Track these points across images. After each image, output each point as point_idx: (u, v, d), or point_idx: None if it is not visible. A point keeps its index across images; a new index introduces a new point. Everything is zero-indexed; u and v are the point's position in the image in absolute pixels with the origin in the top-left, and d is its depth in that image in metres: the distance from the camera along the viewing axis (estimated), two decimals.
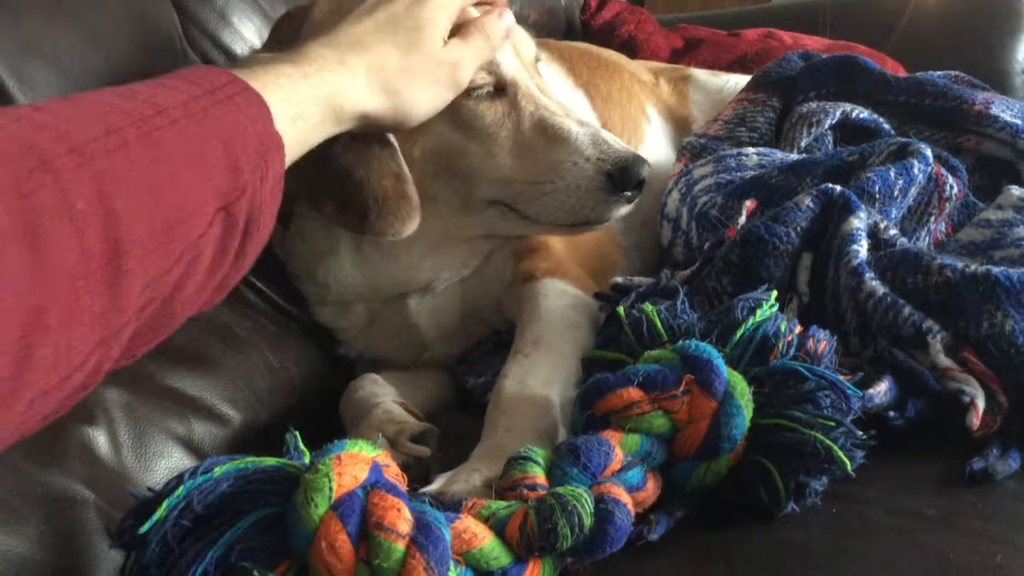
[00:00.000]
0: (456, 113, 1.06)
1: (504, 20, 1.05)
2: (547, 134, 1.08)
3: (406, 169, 1.03)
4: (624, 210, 1.10)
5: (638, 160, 1.07)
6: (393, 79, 0.92)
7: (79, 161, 0.59)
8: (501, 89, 1.09)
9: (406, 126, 0.97)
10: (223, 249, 0.71)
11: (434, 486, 0.83)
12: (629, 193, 1.08)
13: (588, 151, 1.07)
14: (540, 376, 0.99)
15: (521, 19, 1.21)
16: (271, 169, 0.75)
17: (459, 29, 1.00)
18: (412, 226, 1.04)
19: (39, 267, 0.55)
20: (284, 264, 1.23)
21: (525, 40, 1.17)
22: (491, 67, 1.07)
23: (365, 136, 1.00)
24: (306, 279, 1.22)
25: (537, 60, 1.20)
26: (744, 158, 1.37)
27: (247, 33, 1.37)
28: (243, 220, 0.72)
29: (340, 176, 1.02)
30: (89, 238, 0.58)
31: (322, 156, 1.02)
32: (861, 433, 0.78)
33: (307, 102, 0.82)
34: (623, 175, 1.06)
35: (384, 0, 0.96)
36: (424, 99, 0.96)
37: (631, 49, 2.29)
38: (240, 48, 1.34)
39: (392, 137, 1.02)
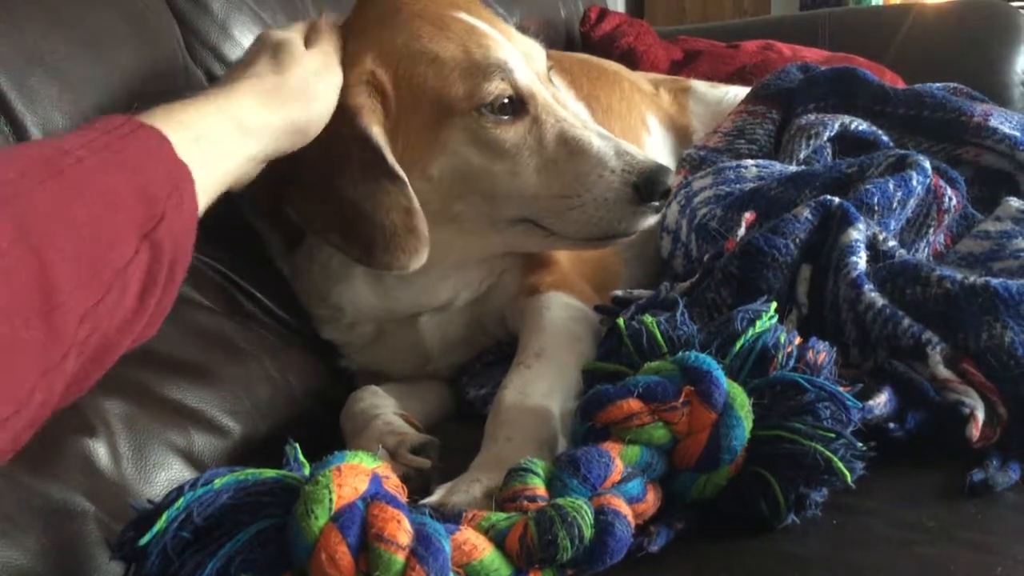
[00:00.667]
0: (477, 134, 1.07)
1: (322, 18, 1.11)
2: (569, 147, 1.08)
3: (416, 203, 1.04)
4: (651, 220, 1.10)
5: (663, 170, 1.08)
6: (279, 91, 0.96)
7: None
8: (520, 103, 1.09)
9: (319, 124, 1.00)
10: (152, 275, 0.73)
11: (434, 497, 0.83)
12: (656, 203, 1.08)
13: (612, 163, 1.07)
14: (541, 387, 0.99)
15: (521, 31, 1.21)
16: (184, 193, 0.77)
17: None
18: (420, 260, 1.04)
19: None
20: (290, 282, 1.23)
21: (537, 52, 1.18)
22: (505, 75, 1.08)
23: (374, 170, 1.01)
24: (316, 301, 1.21)
25: (550, 69, 1.20)
26: (743, 170, 1.38)
27: (248, 44, 1.37)
28: (168, 245, 0.74)
29: (347, 209, 1.02)
30: (17, 275, 0.60)
31: (329, 188, 1.03)
32: (861, 444, 0.78)
33: (203, 125, 0.85)
34: (649, 185, 1.06)
35: (250, 47, 1.04)
36: (311, 95, 1.00)
37: (631, 61, 2.29)
38: None
39: (401, 171, 1.03)
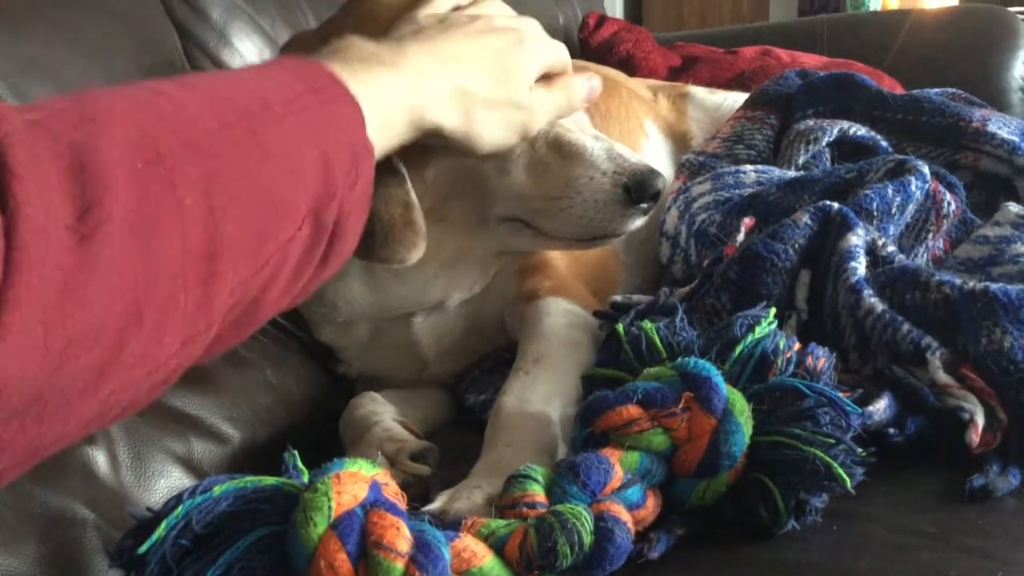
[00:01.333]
0: None
1: (590, 84, 1.04)
2: (562, 151, 1.08)
3: (415, 197, 1.04)
4: (640, 222, 1.10)
5: (653, 173, 1.08)
6: (476, 106, 0.91)
7: (191, 155, 0.59)
8: None
9: (469, 153, 0.95)
10: (309, 253, 0.70)
11: (435, 504, 0.83)
12: (645, 205, 1.08)
13: (604, 165, 1.07)
14: (540, 393, 0.99)
15: None
16: (361, 176, 0.74)
17: (546, 79, 1.00)
18: (417, 254, 1.04)
19: (145, 260, 0.55)
20: None
21: None
22: None
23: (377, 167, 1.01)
24: (312, 299, 1.22)
25: None
26: (742, 175, 1.38)
27: (247, 52, 1.37)
28: (331, 225, 0.71)
29: None
30: (192, 236, 0.58)
31: None
32: (861, 450, 0.78)
33: (396, 109, 0.82)
34: (640, 188, 1.06)
35: (488, 28, 0.95)
36: (494, 134, 0.94)
37: (629, 67, 2.30)
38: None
39: (401, 166, 1.03)
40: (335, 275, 1.13)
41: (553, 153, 1.08)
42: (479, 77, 0.91)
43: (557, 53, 1.01)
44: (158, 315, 0.56)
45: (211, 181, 0.60)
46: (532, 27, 1.00)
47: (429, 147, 1.02)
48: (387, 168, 1.01)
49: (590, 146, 1.08)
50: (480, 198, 1.10)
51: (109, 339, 0.54)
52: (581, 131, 1.10)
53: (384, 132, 0.80)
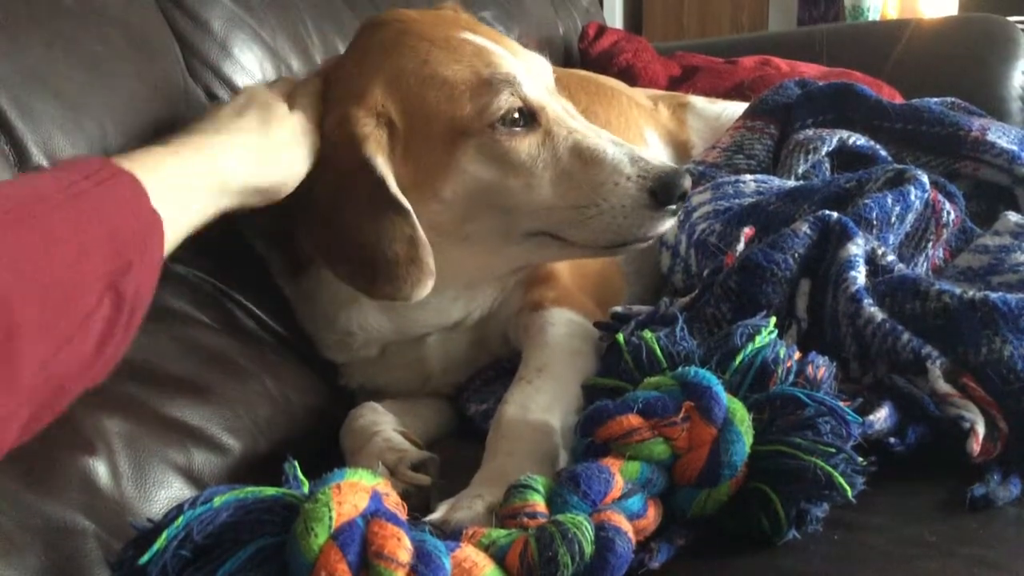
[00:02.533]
0: (491, 149, 1.07)
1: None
2: (584, 157, 1.08)
3: (421, 233, 1.04)
4: (670, 224, 1.10)
5: (679, 173, 1.08)
6: (263, 151, 0.98)
7: None
8: (530, 116, 1.09)
9: (290, 188, 1.03)
10: (112, 325, 0.73)
11: (437, 514, 0.83)
12: (674, 207, 1.08)
13: (628, 169, 1.07)
14: (542, 401, 0.99)
15: None
16: (151, 243, 0.78)
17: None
18: (424, 291, 1.05)
19: None
20: (293, 304, 1.23)
21: (543, 66, 1.18)
22: (513, 89, 1.08)
23: (378, 200, 1.02)
24: (324, 326, 1.21)
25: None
26: (742, 185, 1.38)
27: (248, 64, 1.38)
28: (130, 295, 0.74)
29: (352, 239, 1.03)
30: None
31: (336, 218, 1.03)
32: (861, 459, 0.78)
33: (183, 176, 0.87)
34: (666, 190, 1.07)
35: (238, 99, 1.05)
36: (291, 160, 1.03)
37: (629, 77, 2.30)
38: (241, 79, 1.35)
39: (405, 201, 1.03)
40: (348, 302, 1.14)
41: (575, 160, 1.09)
42: (244, 130, 0.99)
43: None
44: None
45: None
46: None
47: (445, 167, 1.03)
48: (391, 203, 1.02)
49: (611, 151, 1.08)
50: (505, 215, 1.10)
51: None
52: (598, 136, 1.10)
53: (180, 196, 0.85)
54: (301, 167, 1.04)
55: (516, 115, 1.08)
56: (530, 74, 1.12)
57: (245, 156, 0.96)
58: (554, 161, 1.09)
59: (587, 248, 1.12)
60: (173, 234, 0.84)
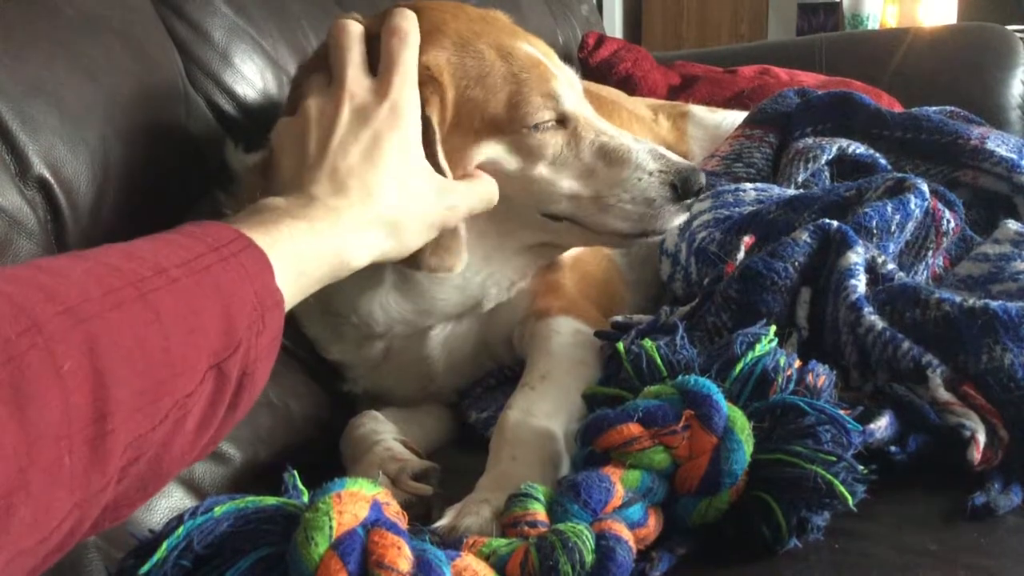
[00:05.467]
0: (518, 143, 1.10)
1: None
2: (609, 157, 1.13)
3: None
4: (683, 218, 1.16)
5: (696, 170, 1.14)
6: (395, 223, 0.95)
7: (71, 322, 0.60)
8: (561, 121, 1.13)
9: (402, 257, 0.99)
10: (213, 406, 0.71)
11: (444, 521, 0.83)
12: (689, 201, 1.14)
13: (651, 165, 1.12)
14: (545, 407, 1.00)
15: None
16: (268, 325, 0.75)
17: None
18: (462, 262, 1.08)
19: (24, 427, 0.55)
20: (298, 315, 1.22)
21: (575, 77, 1.21)
22: (554, 104, 1.11)
23: None
24: (341, 316, 1.20)
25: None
26: (742, 193, 1.38)
27: (249, 73, 1.38)
28: (235, 376, 0.72)
29: None
30: (75, 398, 0.58)
31: None
32: (862, 468, 0.78)
33: (313, 258, 0.84)
34: (686, 184, 1.12)
35: (359, 116, 0.98)
36: (418, 240, 0.99)
37: (629, 86, 2.31)
38: (242, 88, 1.36)
39: (448, 168, 1.05)
40: (368, 286, 1.14)
41: (599, 160, 1.13)
42: (386, 191, 0.94)
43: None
44: (44, 479, 0.56)
45: (94, 344, 0.60)
46: (402, 93, 1.01)
47: (467, 145, 1.03)
48: (439, 170, 1.03)
49: (635, 148, 1.13)
50: (527, 199, 1.13)
51: None
52: (622, 135, 1.15)
53: (301, 279, 0.83)
54: (423, 240, 1.01)
55: (552, 124, 1.12)
56: (570, 86, 1.16)
57: (381, 231, 0.93)
58: (578, 159, 1.13)
59: (605, 235, 1.16)
60: (288, 306, 0.82)
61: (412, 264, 1.05)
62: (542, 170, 1.11)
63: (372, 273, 1.12)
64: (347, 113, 0.98)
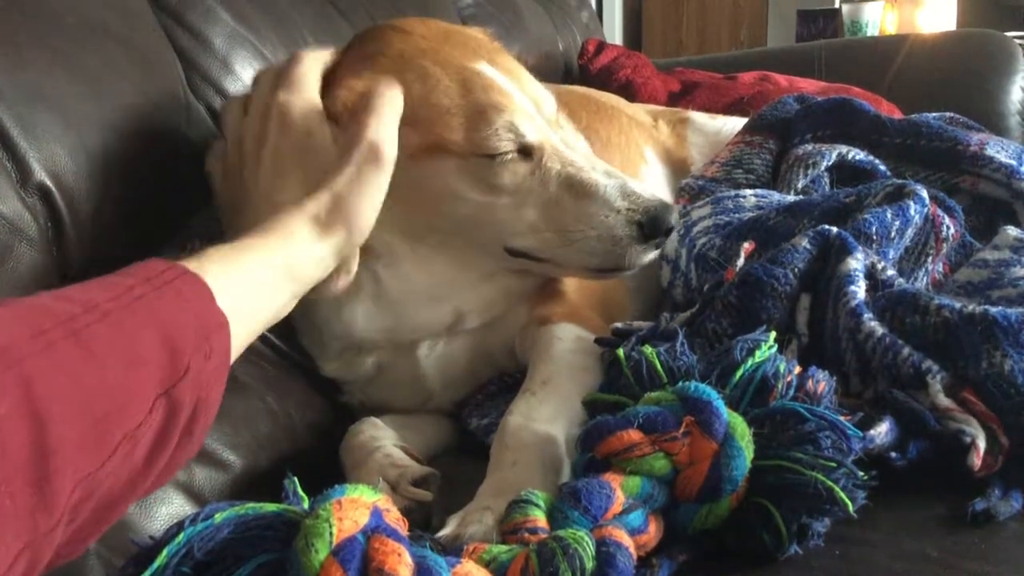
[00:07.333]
0: (479, 174, 1.08)
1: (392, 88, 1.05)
2: (575, 191, 1.10)
3: None
4: (652, 256, 1.13)
5: (666, 208, 1.10)
6: (329, 212, 0.93)
7: (2, 367, 0.59)
8: (526, 152, 1.10)
9: (364, 239, 0.98)
10: (165, 434, 0.70)
11: (447, 530, 0.83)
12: (659, 240, 1.11)
13: (618, 203, 1.09)
14: (546, 413, 0.99)
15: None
16: (215, 347, 0.75)
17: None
18: (337, 287, 1.02)
19: None
20: (295, 326, 1.23)
21: (546, 97, 1.18)
22: (515, 135, 1.08)
23: None
24: (325, 333, 1.20)
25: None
26: (742, 199, 1.38)
27: (249, 79, 1.38)
28: (189, 402, 0.72)
29: None
30: (12, 442, 0.58)
31: None
32: (862, 474, 0.78)
33: (249, 269, 0.84)
34: (653, 224, 1.09)
35: (262, 131, 1.00)
36: (365, 208, 0.96)
37: (629, 93, 2.31)
38: None
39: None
40: (341, 304, 1.14)
41: (565, 192, 1.10)
42: (294, 185, 0.95)
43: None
44: None
45: (29, 387, 0.60)
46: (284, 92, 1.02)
47: (425, 178, 1.03)
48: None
49: (603, 184, 1.10)
50: (489, 231, 1.11)
51: None
52: (592, 168, 1.12)
53: (250, 293, 0.83)
54: (374, 203, 0.98)
55: (513, 155, 1.09)
56: (536, 110, 1.13)
57: (315, 229, 0.92)
58: (543, 190, 1.10)
59: (569, 269, 1.14)
60: (246, 329, 0.82)
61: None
62: (504, 201, 1.10)
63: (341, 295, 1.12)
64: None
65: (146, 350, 0.69)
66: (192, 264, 0.78)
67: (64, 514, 0.61)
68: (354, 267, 1.01)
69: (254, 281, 0.84)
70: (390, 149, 0.99)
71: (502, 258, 1.14)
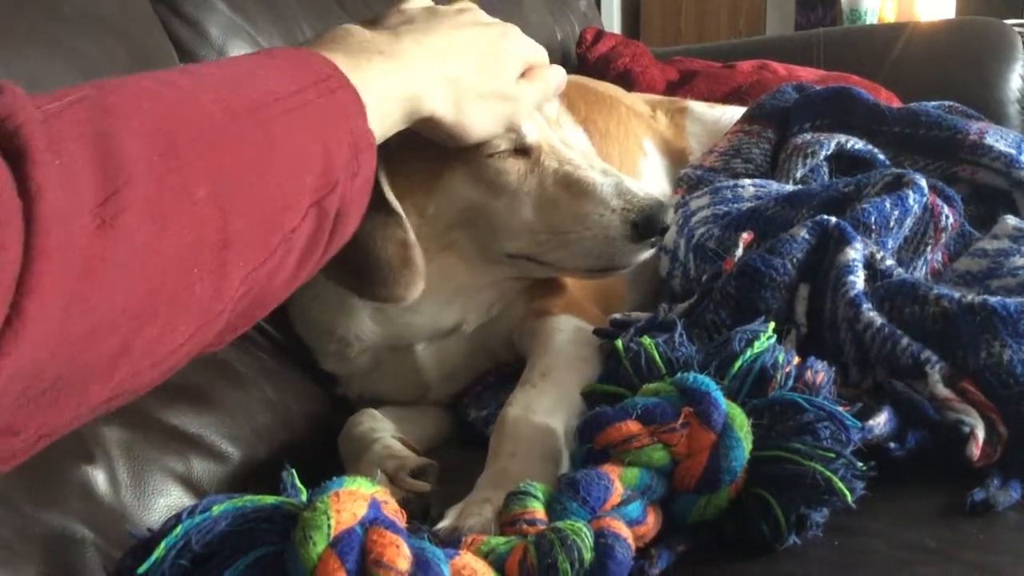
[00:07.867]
0: (477, 171, 1.09)
1: (561, 74, 1.07)
2: (571, 189, 1.11)
3: (412, 236, 1.04)
4: (647, 255, 1.13)
5: (662, 207, 1.11)
6: (466, 96, 0.93)
7: (203, 149, 0.60)
8: (522, 150, 1.11)
9: (457, 143, 0.98)
10: (313, 243, 0.72)
11: (446, 522, 0.83)
12: (653, 239, 1.11)
13: (614, 202, 1.10)
14: (545, 404, 0.99)
15: None
16: (362, 167, 0.76)
17: (524, 74, 1.02)
18: (415, 292, 1.05)
19: (163, 249, 0.56)
20: (292, 319, 1.23)
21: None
22: (515, 135, 1.09)
23: (373, 203, 1.01)
24: (322, 336, 1.21)
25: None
26: (740, 189, 1.38)
27: None
28: (333, 215, 0.73)
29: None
30: (207, 227, 0.59)
31: None
32: (861, 464, 0.78)
33: (393, 101, 0.83)
34: (648, 223, 1.10)
35: (475, 22, 0.98)
36: (483, 124, 0.97)
37: (627, 82, 2.30)
38: None
39: (398, 205, 1.03)
40: (341, 310, 1.14)
41: (562, 191, 1.11)
42: (469, 68, 0.93)
43: (537, 49, 1.03)
44: (174, 304, 0.57)
45: (221, 174, 0.61)
46: (513, 26, 1.02)
47: (431, 184, 1.03)
48: (384, 208, 1.02)
49: (599, 182, 1.10)
50: (487, 234, 1.12)
51: (126, 327, 0.55)
52: (590, 167, 1.12)
53: (382, 121, 0.81)
54: (487, 130, 0.99)
55: (510, 150, 1.10)
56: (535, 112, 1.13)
57: (450, 93, 0.91)
58: (540, 188, 1.11)
59: (565, 271, 1.15)
60: None
61: (363, 294, 1.05)
62: (502, 199, 1.10)
63: (345, 297, 1.12)
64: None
65: (310, 156, 0.69)
66: (351, 72, 0.77)
67: (230, 303, 0.63)
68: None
69: (389, 111, 0.83)
70: (522, 115, 1.04)
71: (507, 264, 1.15)
